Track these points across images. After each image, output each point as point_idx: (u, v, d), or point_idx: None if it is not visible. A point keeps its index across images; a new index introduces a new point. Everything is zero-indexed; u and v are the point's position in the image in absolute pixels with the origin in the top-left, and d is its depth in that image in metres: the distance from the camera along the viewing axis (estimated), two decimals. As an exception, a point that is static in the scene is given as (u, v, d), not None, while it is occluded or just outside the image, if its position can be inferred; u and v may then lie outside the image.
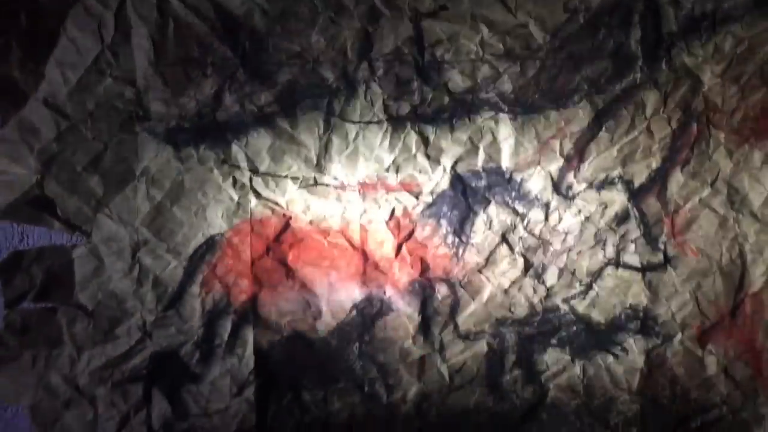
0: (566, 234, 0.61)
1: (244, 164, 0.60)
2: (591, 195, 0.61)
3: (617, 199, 0.60)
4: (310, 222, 0.61)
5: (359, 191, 0.60)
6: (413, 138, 0.60)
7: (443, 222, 0.61)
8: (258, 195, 0.60)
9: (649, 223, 0.61)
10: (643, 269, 0.61)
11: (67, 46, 0.58)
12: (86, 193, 0.59)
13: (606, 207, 0.61)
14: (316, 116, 0.59)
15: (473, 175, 0.61)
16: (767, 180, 0.60)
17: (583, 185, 0.61)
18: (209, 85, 0.59)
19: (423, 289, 0.61)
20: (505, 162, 0.60)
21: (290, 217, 0.60)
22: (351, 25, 0.59)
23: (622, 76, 0.59)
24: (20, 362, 0.60)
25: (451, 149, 0.60)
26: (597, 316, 0.61)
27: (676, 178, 0.60)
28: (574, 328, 0.62)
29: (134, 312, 0.60)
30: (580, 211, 0.61)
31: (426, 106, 0.60)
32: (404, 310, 0.61)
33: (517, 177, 0.61)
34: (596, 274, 0.61)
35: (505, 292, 0.61)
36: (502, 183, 0.61)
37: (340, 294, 0.61)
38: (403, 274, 0.61)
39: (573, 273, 0.61)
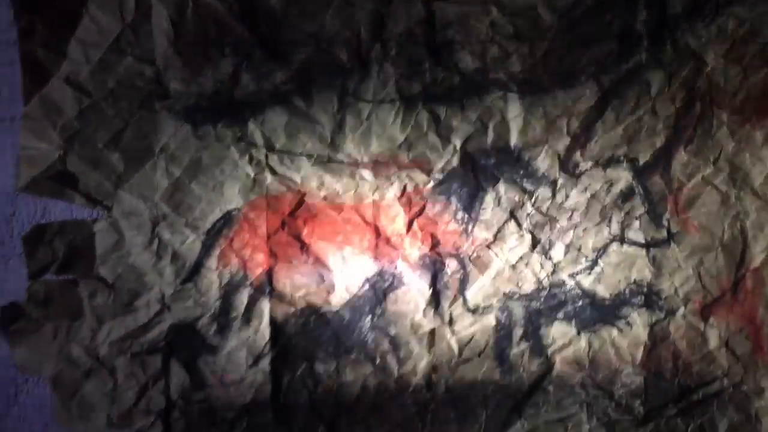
0: (573, 211, 0.62)
1: (260, 142, 0.61)
2: (597, 173, 0.61)
3: (622, 177, 0.61)
4: (324, 198, 0.62)
5: (372, 168, 0.62)
6: (424, 117, 0.61)
7: (453, 199, 0.62)
8: (273, 171, 0.61)
9: (654, 200, 0.62)
10: (647, 245, 0.62)
11: (89, 26, 0.59)
12: (107, 169, 0.60)
13: (611, 185, 0.62)
14: (331, 95, 0.61)
15: (483, 154, 0.62)
16: None
17: (590, 163, 0.61)
18: (227, 65, 0.60)
19: (433, 264, 0.62)
20: (514, 140, 0.61)
21: (305, 193, 0.62)
22: (364, 6, 0.60)
23: (628, 57, 0.60)
24: (42, 333, 0.61)
25: (461, 128, 0.61)
26: (602, 291, 0.62)
27: (680, 157, 0.61)
28: (580, 302, 0.63)
29: (153, 285, 0.62)
30: (586, 189, 0.62)
31: (437, 85, 0.61)
32: (415, 284, 0.62)
33: (525, 155, 0.62)
34: (601, 250, 0.62)
35: (513, 267, 0.63)
36: (510, 161, 0.62)
37: (352, 268, 0.62)
38: (414, 249, 0.62)
39: (579, 249, 0.62)
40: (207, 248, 0.62)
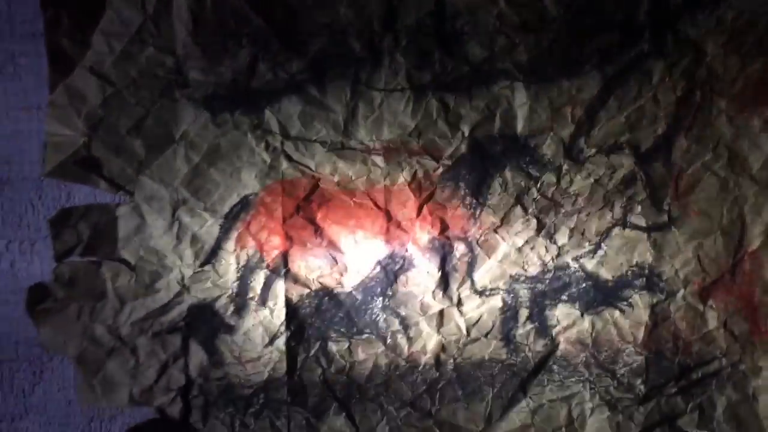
0: (577, 196, 0.63)
1: (276, 129, 0.63)
2: (600, 159, 0.63)
3: (625, 163, 0.63)
4: (338, 183, 0.63)
5: (383, 155, 0.63)
6: (434, 105, 0.62)
7: (462, 184, 0.63)
8: (289, 158, 0.63)
9: (655, 185, 0.63)
10: (649, 229, 0.63)
11: (112, 18, 0.61)
12: (129, 155, 0.62)
13: (614, 170, 0.63)
14: (344, 84, 0.62)
15: (490, 141, 0.63)
16: (765, 145, 0.62)
17: (593, 150, 0.63)
18: (244, 55, 0.61)
19: (442, 247, 0.64)
20: (520, 128, 0.63)
21: (319, 179, 0.63)
22: None
23: (630, 47, 0.61)
24: (67, 314, 0.63)
25: (469, 116, 0.63)
26: (605, 273, 0.64)
27: (680, 144, 0.62)
28: (584, 284, 0.64)
29: (173, 267, 0.63)
30: (590, 175, 0.63)
31: (446, 75, 0.62)
32: (425, 267, 0.64)
33: (531, 142, 0.63)
34: (604, 234, 0.64)
35: (519, 250, 0.64)
36: (517, 148, 0.63)
37: (364, 251, 0.64)
38: (424, 232, 0.64)
39: (583, 233, 0.64)
40: (225, 231, 0.63)
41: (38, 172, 0.64)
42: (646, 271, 0.64)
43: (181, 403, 0.64)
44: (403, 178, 0.63)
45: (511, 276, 0.64)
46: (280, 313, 0.64)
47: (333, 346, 0.64)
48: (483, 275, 0.64)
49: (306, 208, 0.64)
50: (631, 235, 0.64)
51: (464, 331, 0.64)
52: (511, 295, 0.64)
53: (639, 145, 0.63)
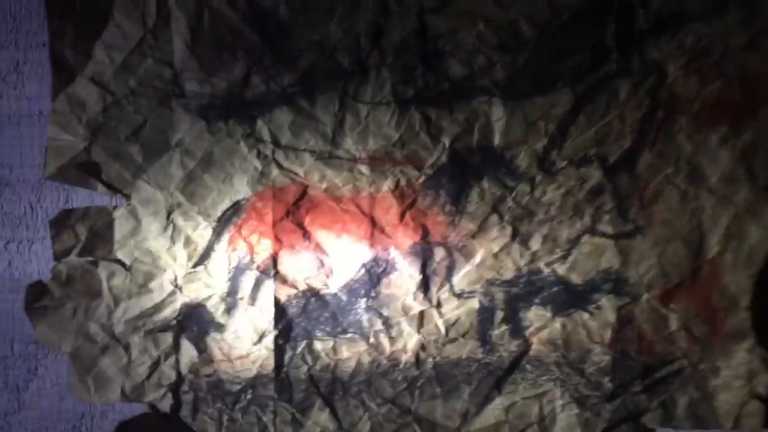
0: (549, 205, 0.66)
1: (267, 138, 0.65)
2: (571, 171, 0.65)
3: (593, 174, 0.65)
4: (325, 190, 0.66)
5: (369, 164, 0.65)
6: (417, 118, 0.65)
7: (442, 192, 0.66)
8: (279, 165, 0.66)
9: (621, 196, 0.65)
10: (616, 237, 0.65)
11: (113, 31, 0.64)
12: (127, 160, 0.65)
13: (584, 182, 0.65)
14: (332, 96, 0.64)
15: (469, 152, 0.66)
16: (722, 159, 0.64)
17: (564, 162, 0.65)
18: (239, 68, 0.64)
19: (423, 252, 0.66)
20: (497, 141, 0.65)
21: (307, 186, 0.66)
22: (364, 17, 0.64)
23: (599, 68, 0.63)
24: (63, 312, 0.66)
25: (449, 129, 0.65)
26: (575, 278, 0.66)
27: (645, 158, 0.64)
28: (555, 288, 0.66)
29: (167, 267, 0.66)
30: (561, 185, 0.65)
31: (428, 90, 0.65)
32: (406, 270, 0.67)
33: (507, 154, 0.65)
34: (575, 241, 0.66)
35: (495, 256, 0.66)
36: (494, 159, 0.65)
37: (350, 254, 0.66)
38: (406, 238, 0.66)
39: (554, 240, 0.66)
40: (217, 234, 0.66)
41: (38, 176, 0.67)
42: (613, 276, 0.66)
43: (171, 398, 0.67)
44: (387, 186, 0.66)
45: (487, 280, 0.67)
46: (269, 313, 0.66)
47: (318, 345, 0.67)
48: (461, 279, 0.67)
49: (295, 213, 0.66)
50: (599, 242, 0.66)
51: (443, 332, 0.67)
52: (488, 297, 0.67)
53: (607, 158, 0.65)
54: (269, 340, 0.66)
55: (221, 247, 0.66)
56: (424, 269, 0.67)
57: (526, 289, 0.67)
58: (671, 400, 0.67)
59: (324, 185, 0.66)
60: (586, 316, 0.67)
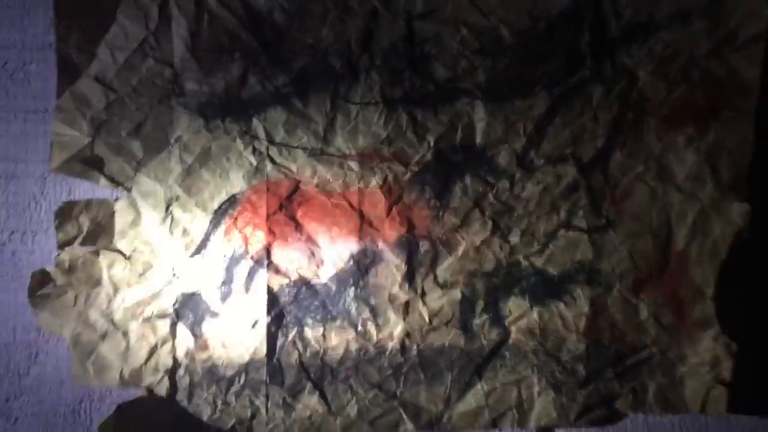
0: (527, 201, 0.68)
1: (262, 135, 0.67)
2: (548, 169, 0.67)
3: (569, 172, 0.67)
4: (317, 185, 0.68)
5: (358, 160, 0.68)
6: (404, 118, 0.67)
7: (427, 188, 0.68)
8: (273, 161, 0.68)
9: (594, 192, 0.67)
10: (589, 231, 0.67)
11: (117, 32, 0.66)
12: (129, 155, 0.67)
13: (560, 179, 0.67)
14: (324, 97, 0.67)
15: (452, 150, 0.68)
16: (689, 159, 0.66)
17: (542, 161, 0.67)
18: (236, 69, 0.66)
19: (409, 244, 0.68)
20: (479, 140, 0.67)
21: (300, 181, 0.68)
22: (355, 23, 0.66)
23: (575, 73, 0.66)
24: (64, 300, 0.67)
25: (434, 128, 0.67)
26: (551, 269, 0.68)
27: (616, 157, 0.66)
28: (533, 279, 0.68)
29: (165, 258, 0.68)
30: (539, 182, 0.67)
31: (415, 92, 0.67)
32: (393, 262, 0.68)
33: (489, 153, 0.67)
34: (551, 235, 0.68)
35: (477, 249, 0.68)
36: (476, 157, 0.67)
37: (339, 246, 0.68)
38: (393, 231, 0.68)
39: (532, 234, 0.68)
40: (214, 226, 0.68)
41: (42, 170, 0.69)
42: (587, 268, 0.67)
43: (168, 383, 0.68)
44: (375, 181, 0.68)
45: (469, 271, 0.68)
46: (262, 301, 0.68)
47: (309, 332, 0.68)
48: (444, 270, 0.68)
49: (288, 207, 0.68)
50: (574, 236, 0.68)
51: (427, 320, 0.68)
52: (469, 288, 0.68)
53: (581, 157, 0.67)
54: (262, 327, 0.68)
55: (217, 238, 0.68)
56: (409, 261, 0.68)
57: (506, 280, 0.68)
58: (641, 386, 0.68)
59: (315, 180, 0.68)
60: (561, 306, 0.68)
